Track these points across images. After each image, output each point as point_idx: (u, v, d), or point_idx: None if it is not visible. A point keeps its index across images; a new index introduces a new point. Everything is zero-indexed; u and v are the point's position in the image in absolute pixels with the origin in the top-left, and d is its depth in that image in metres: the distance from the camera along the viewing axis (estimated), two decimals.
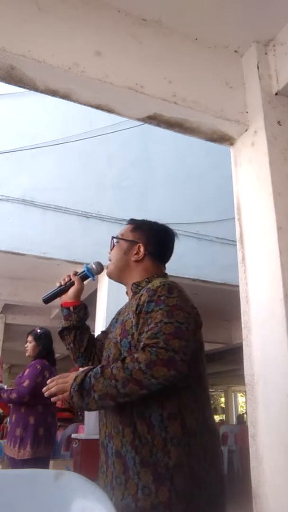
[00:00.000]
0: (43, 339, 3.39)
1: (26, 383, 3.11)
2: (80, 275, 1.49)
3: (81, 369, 1.20)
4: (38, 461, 3.00)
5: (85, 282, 1.52)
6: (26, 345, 3.43)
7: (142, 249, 1.42)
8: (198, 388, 1.25)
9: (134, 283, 1.40)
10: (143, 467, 1.13)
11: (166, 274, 1.46)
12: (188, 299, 1.28)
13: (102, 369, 1.14)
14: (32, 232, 5.03)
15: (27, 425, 3.08)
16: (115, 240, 1.48)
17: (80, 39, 1.86)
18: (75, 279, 1.47)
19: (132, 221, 1.51)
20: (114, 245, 1.48)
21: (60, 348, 4.51)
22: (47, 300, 1.48)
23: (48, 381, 1.23)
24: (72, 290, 1.47)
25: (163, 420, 1.16)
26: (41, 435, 3.10)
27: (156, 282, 1.29)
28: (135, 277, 1.41)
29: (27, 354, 3.40)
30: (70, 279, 1.48)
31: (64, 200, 5.23)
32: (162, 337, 1.12)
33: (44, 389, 1.22)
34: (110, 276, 1.48)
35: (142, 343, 1.16)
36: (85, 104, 1.98)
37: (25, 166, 5.19)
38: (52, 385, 1.20)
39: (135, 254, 1.42)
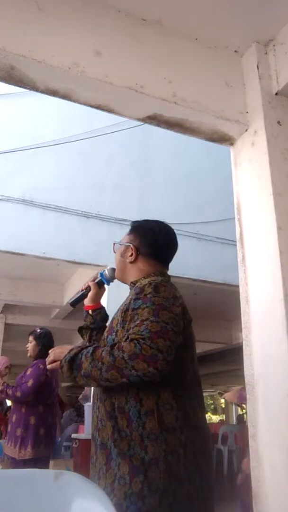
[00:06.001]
0: (43, 339, 3.41)
1: (30, 382, 3.12)
2: (96, 281, 1.64)
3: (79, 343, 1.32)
4: (39, 461, 3.01)
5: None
6: (27, 346, 3.45)
7: (134, 250, 1.50)
8: (179, 386, 1.27)
9: (131, 282, 1.48)
10: (121, 459, 1.19)
11: (164, 272, 1.49)
12: (176, 297, 1.32)
13: (94, 350, 1.22)
14: (32, 232, 5.02)
15: (27, 425, 3.08)
16: (116, 245, 1.59)
17: (80, 39, 1.86)
18: (91, 284, 1.63)
19: (131, 224, 1.60)
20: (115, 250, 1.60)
21: None
22: (73, 304, 1.65)
23: (50, 351, 1.34)
24: (89, 295, 1.63)
25: (140, 416, 1.20)
26: (42, 435, 3.10)
27: (145, 281, 1.36)
28: (132, 277, 1.49)
29: (28, 354, 3.42)
30: (89, 285, 1.64)
31: (64, 200, 5.22)
32: (147, 334, 1.16)
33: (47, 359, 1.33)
34: (117, 278, 1.60)
35: (129, 336, 1.21)
36: (85, 104, 1.98)
37: (25, 166, 5.18)
38: (51, 353, 1.32)
39: (129, 256, 1.51)
